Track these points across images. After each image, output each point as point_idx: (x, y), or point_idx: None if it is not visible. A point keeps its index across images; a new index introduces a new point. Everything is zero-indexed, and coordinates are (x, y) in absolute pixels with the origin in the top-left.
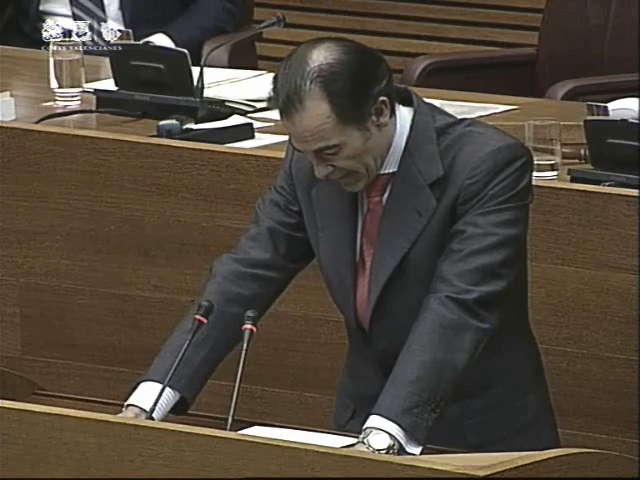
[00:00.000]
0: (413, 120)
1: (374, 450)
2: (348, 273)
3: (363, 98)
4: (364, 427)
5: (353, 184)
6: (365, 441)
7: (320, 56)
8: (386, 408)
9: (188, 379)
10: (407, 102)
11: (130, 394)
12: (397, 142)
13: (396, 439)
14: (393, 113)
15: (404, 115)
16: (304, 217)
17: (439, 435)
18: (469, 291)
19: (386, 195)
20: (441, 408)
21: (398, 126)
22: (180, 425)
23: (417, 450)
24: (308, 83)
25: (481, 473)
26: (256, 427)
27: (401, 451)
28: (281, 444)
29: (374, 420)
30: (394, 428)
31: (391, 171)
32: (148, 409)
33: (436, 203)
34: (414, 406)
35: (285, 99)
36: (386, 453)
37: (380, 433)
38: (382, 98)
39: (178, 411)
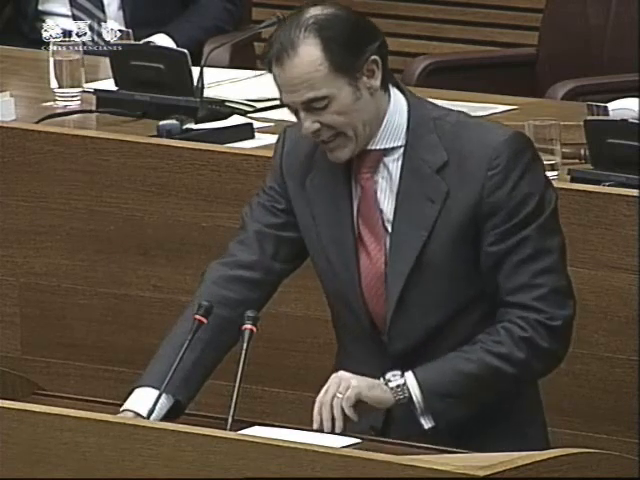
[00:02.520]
0: (409, 113)
1: (386, 382)
2: (351, 255)
3: (356, 50)
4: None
5: (339, 150)
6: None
7: (317, 10)
8: (425, 378)
9: (181, 382)
10: (400, 90)
11: (126, 399)
12: (391, 119)
13: (412, 399)
14: (385, 85)
15: (398, 97)
16: (297, 213)
17: (436, 435)
18: (555, 317)
19: (378, 176)
20: (474, 409)
21: (392, 103)
22: (180, 425)
23: (428, 425)
24: (302, 30)
25: (481, 473)
26: (256, 427)
27: (410, 403)
28: (281, 444)
29: (409, 377)
30: (419, 396)
31: (382, 147)
32: (144, 414)
33: (447, 188)
34: (450, 395)
35: (279, 46)
36: (395, 389)
37: (404, 388)
38: (374, 57)
39: (172, 414)
